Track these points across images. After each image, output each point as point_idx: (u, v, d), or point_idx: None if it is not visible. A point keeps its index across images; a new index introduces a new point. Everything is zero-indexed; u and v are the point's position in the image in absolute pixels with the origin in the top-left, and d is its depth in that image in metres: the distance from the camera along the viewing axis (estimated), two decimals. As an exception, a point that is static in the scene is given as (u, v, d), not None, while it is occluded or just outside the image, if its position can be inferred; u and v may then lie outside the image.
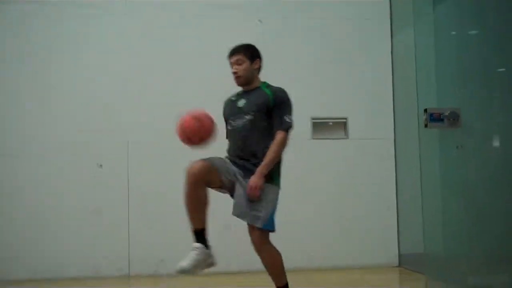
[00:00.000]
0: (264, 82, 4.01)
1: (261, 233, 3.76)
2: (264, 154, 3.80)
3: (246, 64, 3.96)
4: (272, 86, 3.97)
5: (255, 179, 3.72)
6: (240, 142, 3.87)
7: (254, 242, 3.78)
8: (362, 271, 5.87)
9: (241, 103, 3.94)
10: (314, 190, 6.15)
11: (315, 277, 5.68)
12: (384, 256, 6.20)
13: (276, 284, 3.84)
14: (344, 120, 6.31)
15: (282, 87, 3.96)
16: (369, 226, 6.18)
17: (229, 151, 3.95)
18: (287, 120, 3.85)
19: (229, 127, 3.98)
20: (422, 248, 4.79)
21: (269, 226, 3.79)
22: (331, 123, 6.33)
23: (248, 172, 3.79)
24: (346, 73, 6.33)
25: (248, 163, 3.83)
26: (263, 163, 3.76)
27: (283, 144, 3.83)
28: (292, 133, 3.91)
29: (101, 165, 6.01)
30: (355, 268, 6.02)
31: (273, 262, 3.81)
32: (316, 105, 6.23)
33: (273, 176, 3.83)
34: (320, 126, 6.29)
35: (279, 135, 3.82)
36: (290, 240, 5.36)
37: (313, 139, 6.25)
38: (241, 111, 3.91)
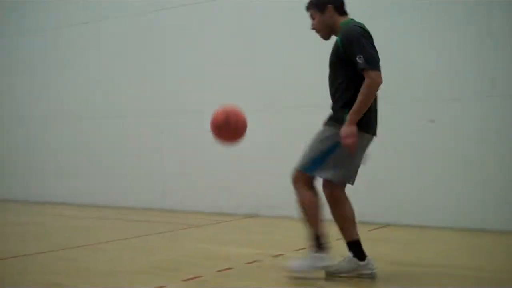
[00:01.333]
0: (345, 23, 3.69)
1: (297, 172, 3.73)
2: (348, 101, 3.58)
3: (317, 17, 3.75)
4: (344, 27, 3.65)
5: (343, 128, 3.53)
6: (330, 93, 3.77)
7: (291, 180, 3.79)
8: None
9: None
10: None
11: None
12: None
13: (308, 228, 3.75)
14: None
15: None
16: None
17: None
18: (359, 61, 3.48)
19: None
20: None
21: (307, 169, 3.69)
22: None
23: (329, 119, 3.70)
24: None
25: (332, 111, 3.73)
26: (351, 110, 3.51)
27: (367, 88, 3.48)
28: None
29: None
30: None
31: (303, 207, 3.73)
32: None
33: (338, 119, 3.62)
34: None
35: (365, 79, 3.50)
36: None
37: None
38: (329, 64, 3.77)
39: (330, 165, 3.63)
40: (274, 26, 6.94)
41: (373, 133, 3.71)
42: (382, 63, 3.57)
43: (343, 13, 3.76)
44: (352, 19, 3.75)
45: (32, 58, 9.26)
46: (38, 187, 9.13)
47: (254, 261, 4.29)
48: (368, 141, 3.70)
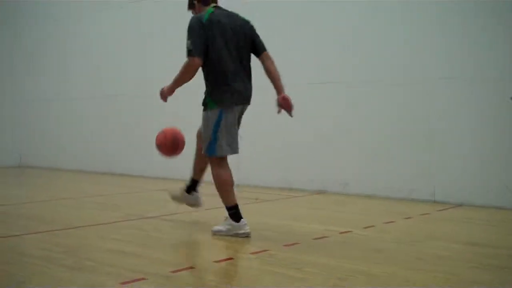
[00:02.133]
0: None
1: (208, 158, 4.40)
2: (208, 86, 4.31)
3: (193, 13, 4.43)
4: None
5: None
6: None
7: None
8: None
9: None
10: None
11: None
12: None
13: (224, 204, 4.36)
14: None
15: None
16: None
17: None
18: (187, 45, 4.16)
19: None
20: None
21: (209, 152, 4.31)
22: None
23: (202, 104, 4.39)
24: None
25: None
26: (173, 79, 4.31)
27: (183, 67, 4.19)
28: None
29: None
30: None
31: (217, 184, 4.37)
32: None
33: (206, 102, 4.28)
34: None
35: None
36: None
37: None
38: None
39: (220, 140, 4.26)
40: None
41: (236, 103, 4.33)
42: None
43: (206, 3, 4.37)
44: (213, 8, 4.32)
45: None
46: (121, 161, 9.40)
47: (321, 237, 4.28)
48: (233, 114, 4.31)
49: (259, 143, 7.56)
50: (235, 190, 4.44)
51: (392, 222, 4.98)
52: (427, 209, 5.66)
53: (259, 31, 4.50)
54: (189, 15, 4.45)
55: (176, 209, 5.41)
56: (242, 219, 4.29)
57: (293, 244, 4.01)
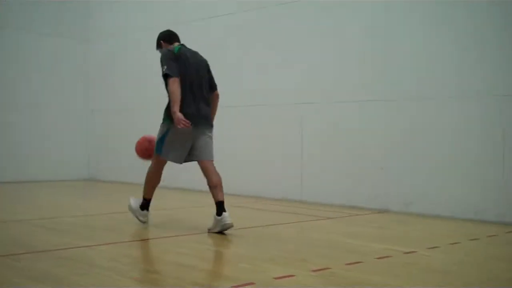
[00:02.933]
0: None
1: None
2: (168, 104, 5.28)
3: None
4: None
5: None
6: None
7: None
8: None
9: None
10: None
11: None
12: None
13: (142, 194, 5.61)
14: None
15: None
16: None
17: None
18: (163, 69, 5.16)
19: None
20: None
21: (156, 150, 5.40)
22: None
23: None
24: None
25: None
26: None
27: (170, 92, 5.12)
28: None
29: None
30: None
31: (147, 177, 5.56)
32: None
33: (163, 116, 5.34)
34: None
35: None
36: None
37: None
38: None
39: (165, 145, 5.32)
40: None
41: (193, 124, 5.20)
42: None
43: (171, 42, 5.50)
44: (180, 45, 5.42)
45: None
46: (183, 175, 9.57)
47: (384, 256, 4.23)
48: (184, 132, 5.20)
49: (321, 161, 7.55)
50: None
51: (457, 243, 4.86)
52: (494, 231, 5.50)
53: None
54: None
55: (237, 224, 5.46)
56: (146, 211, 5.62)
57: (355, 263, 3.98)
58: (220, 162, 8.78)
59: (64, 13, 11.02)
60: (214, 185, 5.33)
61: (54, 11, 10.88)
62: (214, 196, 5.25)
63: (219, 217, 5.09)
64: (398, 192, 6.78)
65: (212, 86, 5.61)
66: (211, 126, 5.56)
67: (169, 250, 4.38)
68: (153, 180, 5.55)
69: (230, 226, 5.09)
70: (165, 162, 5.50)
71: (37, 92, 10.26)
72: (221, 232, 5.09)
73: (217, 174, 5.45)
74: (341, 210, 6.94)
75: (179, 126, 5.06)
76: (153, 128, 9.91)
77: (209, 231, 5.18)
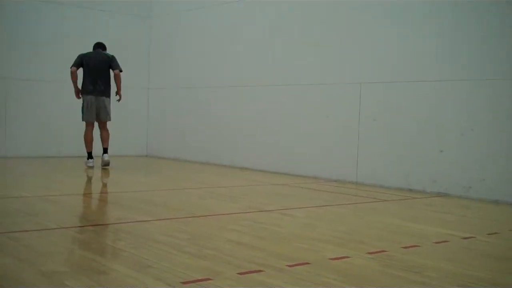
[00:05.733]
0: None
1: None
2: None
3: None
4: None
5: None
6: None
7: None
8: None
9: None
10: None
11: None
12: None
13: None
14: None
15: None
16: None
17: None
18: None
19: None
20: None
21: (82, 118, 8.87)
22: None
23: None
24: None
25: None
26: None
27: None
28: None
29: None
30: None
31: (84, 138, 8.98)
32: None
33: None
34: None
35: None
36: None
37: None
38: None
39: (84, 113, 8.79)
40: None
41: (89, 94, 8.73)
42: None
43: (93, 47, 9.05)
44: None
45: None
46: (241, 154, 9.67)
47: (442, 241, 4.16)
48: (88, 99, 8.72)
49: (378, 142, 7.46)
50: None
51: (519, 230, 4.73)
52: (559, 219, 5.32)
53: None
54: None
55: (294, 203, 5.47)
56: (90, 160, 8.77)
57: (412, 247, 3.93)
58: (280, 142, 8.89)
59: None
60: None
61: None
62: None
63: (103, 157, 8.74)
64: (458, 176, 6.64)
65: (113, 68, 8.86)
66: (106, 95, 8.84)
67: (225, 228, 4.43)
68: (87, 139, 8.81)
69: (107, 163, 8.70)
70: (89, 124, 8.80)
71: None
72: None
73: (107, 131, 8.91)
74: (398, 193, 6.86)
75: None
76: (213, 104, 10.04)
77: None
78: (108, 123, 8.91)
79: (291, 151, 8.62)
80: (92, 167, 8.64)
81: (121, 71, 8.80)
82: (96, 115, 8.72)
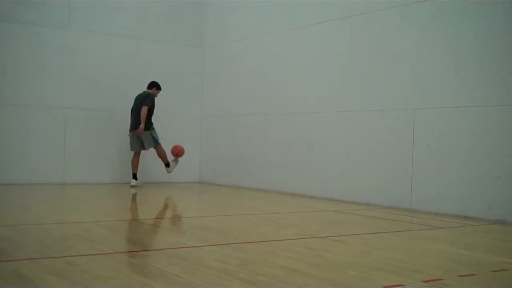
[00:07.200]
0: None
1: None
2: None
3: None
4: None
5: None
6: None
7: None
8: None
9: None
10: None
11: None
12: None
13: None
14: None
15: None
16: None
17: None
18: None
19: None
20: None
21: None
22: None
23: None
24: None
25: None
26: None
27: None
28: None
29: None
30: None
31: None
32: None
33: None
34: None
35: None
36: None
37: None
38: None
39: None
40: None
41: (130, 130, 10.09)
42: None
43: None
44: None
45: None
46: (290, 180, 9.67)
47: (500, 270, 4.03)
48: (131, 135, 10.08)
49: (432, 168, 7.32)
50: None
51: None
52: None
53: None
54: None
55: (347, 230, 5.41)
56: (135, 180, 10.03)
57: (468, 275, 3.82)
58: (331, 168, 8.85)
59: (179, 20, 11.49)
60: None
61: (169, 18, 11.38)
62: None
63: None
64: (517, 203, 6.43)
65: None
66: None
67: (277, 254, 4.42)
68: (133, 164, 10.13)
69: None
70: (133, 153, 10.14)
71: (159, 100, 10.63)
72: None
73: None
74: (454, 220, 6.69)
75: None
76: (264, 131, 10.07)
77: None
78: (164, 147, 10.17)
79: (344, 177, 8.56)
80: (134, 187, 9.93)
81: (147, 105, 9.85)
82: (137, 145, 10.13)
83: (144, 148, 9.96)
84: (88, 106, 10.49)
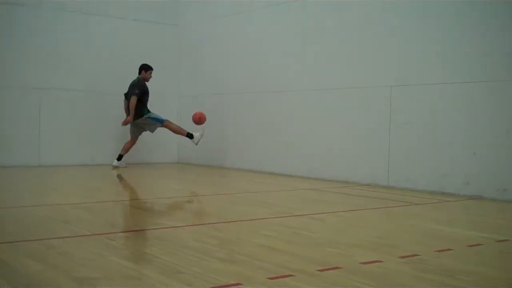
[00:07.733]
0: None
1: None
2: None
3: None
4: None
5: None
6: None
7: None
8: None
9: None
10: None
11: None
12: None
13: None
14: None
15: None
16: None
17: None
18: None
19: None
20: None
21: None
22: None
23: None
24: None
25: None
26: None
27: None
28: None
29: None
30: None
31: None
32: None
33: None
34: None
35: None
36: None
37: None
38: None
39: None
40: None
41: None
42: None
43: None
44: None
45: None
46: (270, 160, 9.68)
47: (476, 244, 4.09)
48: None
49: (409, 145, 7.38)
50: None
51: (556, 232, 4.63)
52: None
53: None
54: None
55: (324, 208, 5.44)
56: (118, 161, 9.85)
57: (445, 250, 3.88)
58: (309, 147, 8.86)
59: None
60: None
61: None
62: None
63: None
64: (492, 178, 6.52)
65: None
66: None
67: (256, 233, 4.44)
68: (125, 147, 9.96)
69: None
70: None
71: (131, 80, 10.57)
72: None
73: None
74: (431, 196, 6.77)
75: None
76: (240, 110, 10.05)
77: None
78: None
79: (322, 155, 8.59)
80: (116, 168, 9.87)
81: (135, 95, 9.57)
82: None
83: (148, 132, 9.93)
84: (63, 86, 10.34)
